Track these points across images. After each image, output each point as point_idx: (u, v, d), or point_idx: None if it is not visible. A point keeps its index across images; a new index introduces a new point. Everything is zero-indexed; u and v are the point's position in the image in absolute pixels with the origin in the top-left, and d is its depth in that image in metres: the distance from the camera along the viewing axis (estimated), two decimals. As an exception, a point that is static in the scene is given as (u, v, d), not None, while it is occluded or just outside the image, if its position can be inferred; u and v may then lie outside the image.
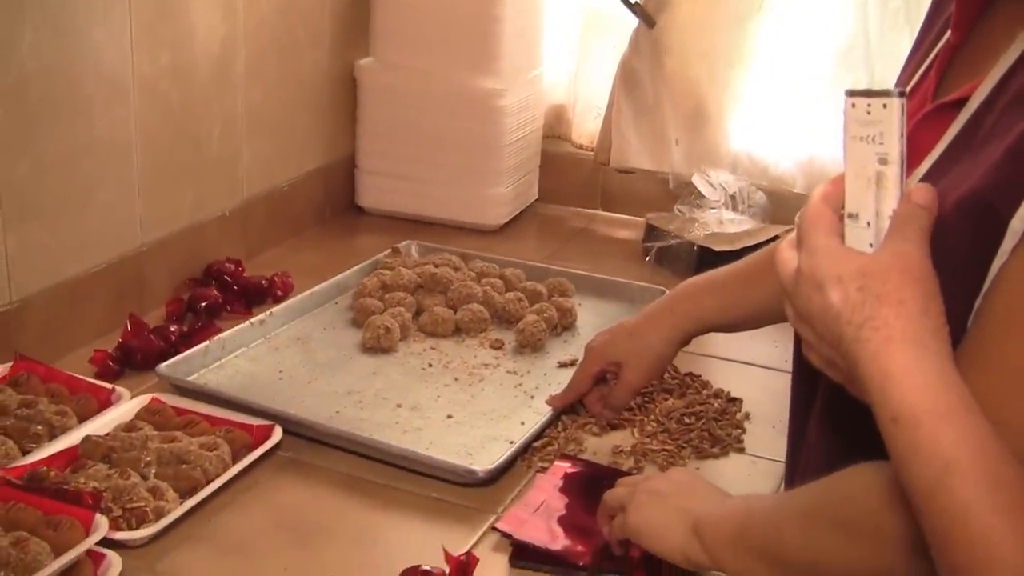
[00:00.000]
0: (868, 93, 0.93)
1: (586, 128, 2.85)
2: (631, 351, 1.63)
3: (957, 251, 0.97)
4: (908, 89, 1.16)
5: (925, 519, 0.85)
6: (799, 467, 1.25)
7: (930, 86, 1.13)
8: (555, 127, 2.90)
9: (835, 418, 1.16)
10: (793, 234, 0.98)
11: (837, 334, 0.91)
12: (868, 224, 0.94)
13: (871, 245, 0.93)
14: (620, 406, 1.68)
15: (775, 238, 2.31)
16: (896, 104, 0.91)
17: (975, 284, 0.96)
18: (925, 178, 1.04)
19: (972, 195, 0.97)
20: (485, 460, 1.61)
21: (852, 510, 1.05)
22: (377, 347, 1.96)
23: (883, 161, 0.93)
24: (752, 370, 1.96)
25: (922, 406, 0.85)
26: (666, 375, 1.89)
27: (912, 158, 1.07)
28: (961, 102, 1.05)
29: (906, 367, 0.87)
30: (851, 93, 0.94)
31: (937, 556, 0.85)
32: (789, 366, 1.30)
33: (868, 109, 0.93)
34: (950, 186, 1.00)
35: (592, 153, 2.79)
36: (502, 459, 1.60)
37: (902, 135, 0.92)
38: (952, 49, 1.13)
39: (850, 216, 0.95)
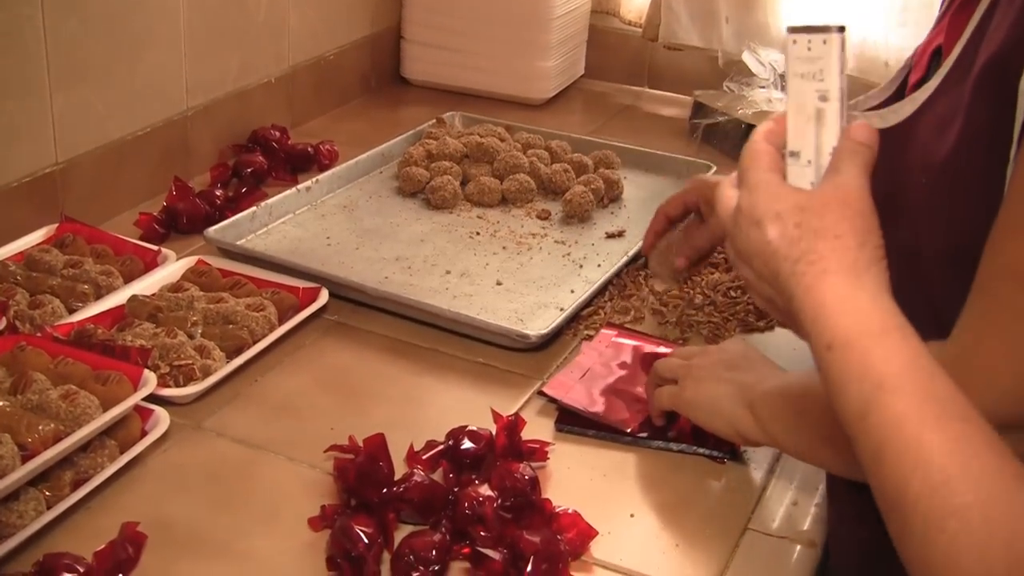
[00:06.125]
0: (808, 29, 0.92)
1: (635, 3, 2.79)
2: None
3: (986, 123, 0.96)
4: None
5: (859, 439, 0.85)
6: None
7: None
8: (603, 2, 2.84)
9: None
10: (735, 172, 0.98)
11: (775, 271, 0.91)
12: (809, 162, 0.93)
13: (812, 184, 0.93)
14: (699, 248, 1.61)
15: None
16: (836, 40, 0.91)
17: (1006, 153, 0.95)
18: (957, 61, 1.02)
19: (990, 61, 0.96)
20: (536, 326, 1.61)
21: None
22: (443, 205, 2.00)
23: (823, 98, 0.92)
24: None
25: (855, 329, 0.85)
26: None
27: (949, 43, 1.06)
28: None
29: (840, 296, 0.87)
30: (792, 30, 0.94)
31: (870, 473, 0.84)
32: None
33: (809, 45, 0.92)
34: (977, 59, 0.99)
35: (640, 29, 2.75)
36: (554, 324, 1.60)
37: (842, 71, 0.91)
38: None
39: (791, 154, 0.95)
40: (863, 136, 0.91)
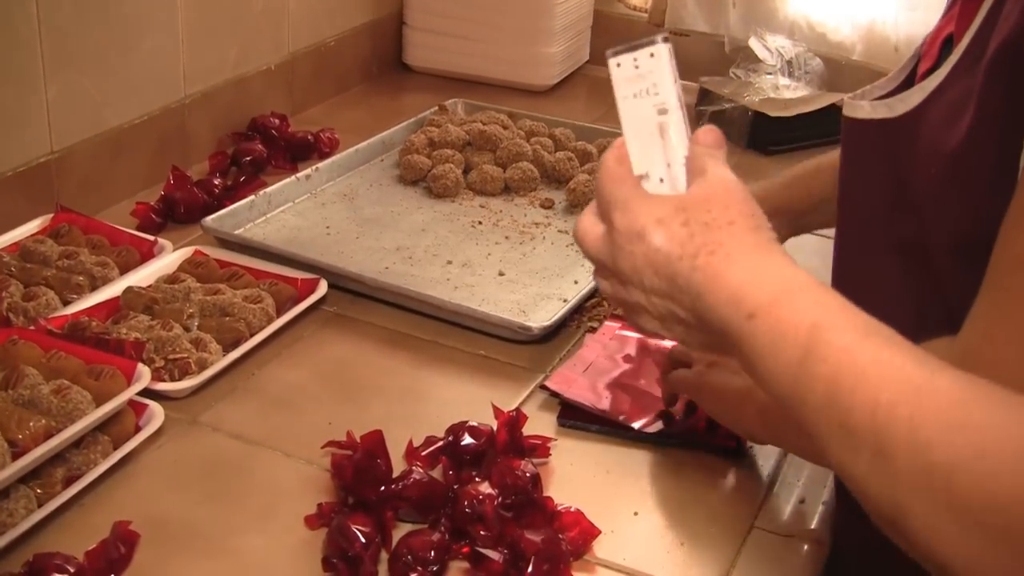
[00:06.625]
0: (632, 47, 0.92)
1: (640, -12, 2.78)
2: None
3: (999, 111, 0.94)
4: None
5: (802, 385, 0.80)
6: None
7: None
8: (608, -13, 2.83)
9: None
10: (591, 207, 0.95)
11: (671, 275, 0.88)
12: (661, 180, 0.92)
13: None
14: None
15: (831, 106, 2.26)
16: (663, 49, 0.90)
17: (1019, 141, 0.92)
18: (968, 49, 1.00)
19: (1002, 47, 0.93)
20: (539, 317, 1.59)
21: None
22: (445, 194, 1.98)
23: (662, 111, 0.91)
24: (808, 238, 1.92)
25: (776, 290, 0.83)
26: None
27: (960, 31, 1.04)
28: None
29: (751, 272, 0.84)
30: (614, 53, 0.92)
31: (824, 418, 0.79)
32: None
33: (635, 64, 0.91)
34: (989, 46, 0.96)
35: (646, 14, 2.72)
36: (557, 316, 1.58)
37: (676, 80, 0.91)
38: None
39: (641, 178, 0.93)
40: (710, 140, 0.91)
